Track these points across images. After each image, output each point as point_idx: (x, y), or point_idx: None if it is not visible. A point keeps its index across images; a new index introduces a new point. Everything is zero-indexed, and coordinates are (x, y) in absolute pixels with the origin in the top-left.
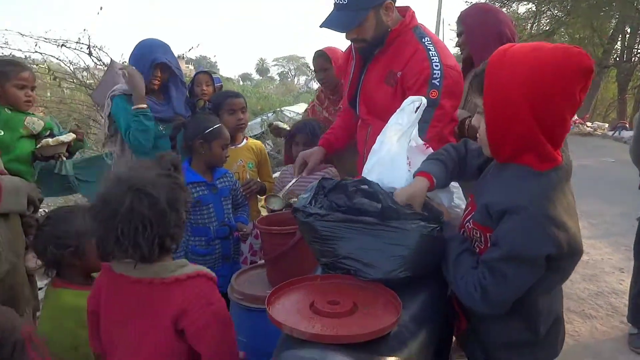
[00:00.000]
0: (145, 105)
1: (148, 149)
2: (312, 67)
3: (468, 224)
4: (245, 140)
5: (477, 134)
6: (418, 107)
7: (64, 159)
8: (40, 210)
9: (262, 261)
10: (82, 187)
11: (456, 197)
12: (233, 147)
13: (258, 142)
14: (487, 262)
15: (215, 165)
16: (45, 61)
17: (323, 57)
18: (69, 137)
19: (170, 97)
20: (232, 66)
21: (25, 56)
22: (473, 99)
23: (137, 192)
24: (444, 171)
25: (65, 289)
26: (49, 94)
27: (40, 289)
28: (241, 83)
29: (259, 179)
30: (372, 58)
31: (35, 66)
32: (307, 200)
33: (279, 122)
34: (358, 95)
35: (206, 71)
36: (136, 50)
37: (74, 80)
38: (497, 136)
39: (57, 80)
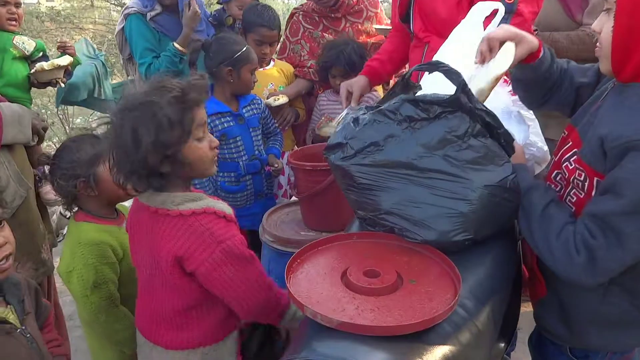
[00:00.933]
0: (186, 50)
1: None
2: None
3: (567, 163)
4: (272, 61)
5: (597, 42)
6: (488, 16)
7: (62, 84)
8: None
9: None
10: None
11: (532, 133)
12: (261, 69)
13: (287, 64)
14: (599, 216)
15: (243, 93)
16: None
17: None
18: (65, 60)
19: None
20: None
21: None
22: None
23: (113, 116)
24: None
25: (87, 223)
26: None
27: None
28: None
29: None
30: None
31: None
32: (340, 135)
33: (272, 100)
34: (412, 7)
35: None
36: None
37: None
38: (628, 44)
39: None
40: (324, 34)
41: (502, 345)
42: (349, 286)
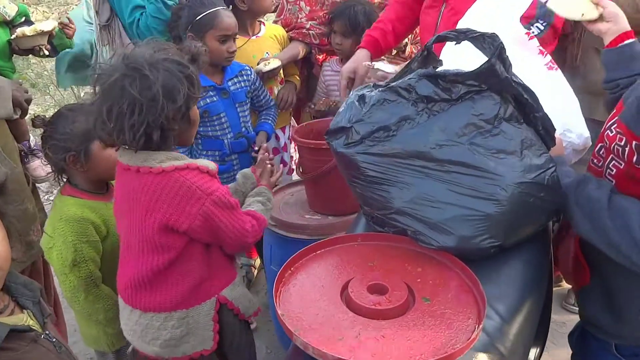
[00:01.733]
0: None
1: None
2: None
3: (609, 131)
4: (263, 27)
5: None
6: None
7: (46, 52)
8: None
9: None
10: None
11: (571, 113)
12: (254, 37)
13: (278, 27)
14: None
15: (217, 63)
16: None
17: None
18: (49, 24)
19: None
20: None
21: None
22: None
23: (133, 70)
24: None
25: (71, 198)
26: None
27: None
28: None
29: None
30: None
31: None
32: (344, 117)
33: (262, 65)
34: None
35: None
36: None
37: None
38: None
39: None
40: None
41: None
42: (350, 305)
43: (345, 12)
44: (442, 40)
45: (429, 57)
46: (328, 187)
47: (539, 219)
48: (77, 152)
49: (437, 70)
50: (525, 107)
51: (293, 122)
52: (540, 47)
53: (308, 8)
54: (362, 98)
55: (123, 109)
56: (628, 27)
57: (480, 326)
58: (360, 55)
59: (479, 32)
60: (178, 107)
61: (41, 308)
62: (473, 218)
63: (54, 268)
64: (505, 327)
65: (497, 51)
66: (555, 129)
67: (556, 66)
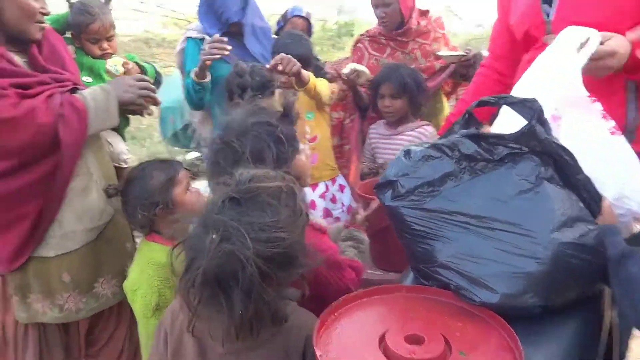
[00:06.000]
0: (199, 79)
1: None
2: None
3: None
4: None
5: None
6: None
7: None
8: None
9: None
10: None
11: (633, 179)
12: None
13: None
14: None
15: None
16: None
17: None
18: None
19: (251, 45)
20: None
21: None
22: None
23: (224, 145)
24: None
25: (157, 244)
26: None
27: None
28: None
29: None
30: None
31: None
32: (391, 172)
33: (357, 65)
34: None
35: (303, 16)
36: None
37: None
38: None
39: None
40: (390, 59)
41: None
42: (387, 353)
43: (390, 75)
44: (483, 104)
45: (470, 119)
46: (387, 242)
47: (584, 281)
48: (164, 204)
49: (479, 131)
50: (566, 169)
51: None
52: (604, 112)
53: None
54: (407, 153)
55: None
56: None
57: None
58: None
59: (518, 98)
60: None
61: None
62: (514, 276)
63: (136, 310)
64: None
65: (537, 114)
66: (599, 194)
67: (620, 131)
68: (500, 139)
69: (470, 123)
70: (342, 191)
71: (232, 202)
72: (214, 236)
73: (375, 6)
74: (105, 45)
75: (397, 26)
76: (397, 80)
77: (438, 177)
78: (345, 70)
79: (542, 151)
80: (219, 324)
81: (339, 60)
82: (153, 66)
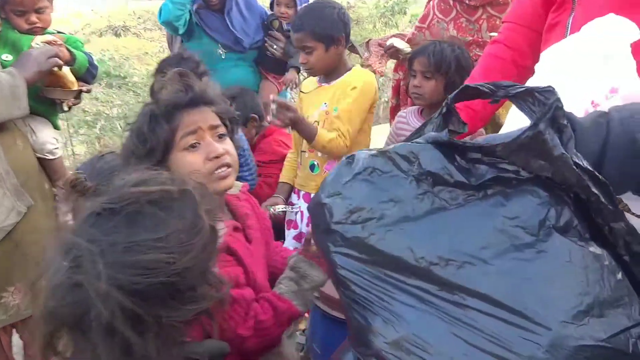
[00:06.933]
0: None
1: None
2: None
3: None
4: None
5: None
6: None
7: (65, 108)
8: None
9: None
10: None
11: None
12: (319, 86)
13: (366, 71)
14: None
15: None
16: None
17: None
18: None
19: (231, 19)
20: None
21: None
22: None
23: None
24: None
25: None
26: None
27: None
28: None
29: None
30: None
31: None
32: (325, 188)
33: (396, 41)
34: None
35: None
36: None
37: None
38: None
39: None
40: (452, 24)
41: None
42: None
43: (428, 48)
44: (469, 95)
45: (448, 117)
46: None
47: None
48: None
49: (454, 138)
50: (596, 213)
51: None
52: None
53: (455, 32)
54: (350, 161)
55: None
56: None
57: None
58: None
59: (524, 87)
60: None
61: None
62: None
63: None
64: None
65: (551, 113)
66: None
67: None
68: (485, 152)
69: (448, 122)
70: None
71: (101, 216)
72: (64, 263)
73: None
74: (33, 18)
75: None
76: (433, 55)
77: (378, 202)
78: (387, 44)
79: (555, 179)
80: None
81: (386, 36)
82: (89, 55)
